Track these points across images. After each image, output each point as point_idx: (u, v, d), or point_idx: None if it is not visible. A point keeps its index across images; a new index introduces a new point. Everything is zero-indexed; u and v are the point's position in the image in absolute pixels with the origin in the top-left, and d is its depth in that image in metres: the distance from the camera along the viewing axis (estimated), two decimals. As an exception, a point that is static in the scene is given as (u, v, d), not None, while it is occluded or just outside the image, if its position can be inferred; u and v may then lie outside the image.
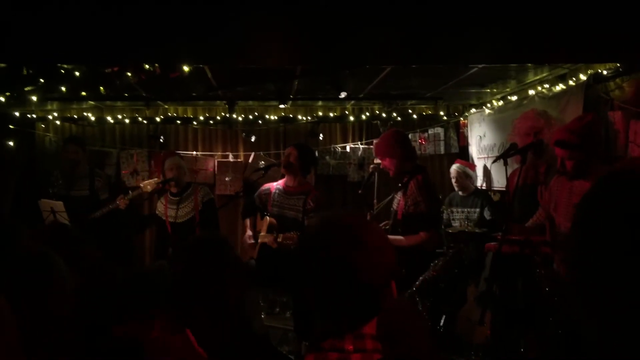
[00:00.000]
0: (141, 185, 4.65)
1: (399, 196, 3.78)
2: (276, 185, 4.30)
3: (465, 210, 5.13)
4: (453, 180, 5.31)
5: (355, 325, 1.30)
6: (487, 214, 5.04)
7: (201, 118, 6.19)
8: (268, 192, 4.29)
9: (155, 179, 4.72)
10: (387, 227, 3.87)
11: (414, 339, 1.50)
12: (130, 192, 4.63)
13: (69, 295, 1.67)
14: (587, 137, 3.02)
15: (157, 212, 4.63)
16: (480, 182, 5.89)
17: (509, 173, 3.41)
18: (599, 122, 3.26)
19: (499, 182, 5.46)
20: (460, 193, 5.30)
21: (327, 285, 1.27)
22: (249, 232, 4.31)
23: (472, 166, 5.46)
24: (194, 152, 6.26)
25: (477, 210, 5.08)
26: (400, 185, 3.72)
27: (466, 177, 5.26)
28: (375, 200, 4.24)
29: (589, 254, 0.73)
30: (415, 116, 6.34)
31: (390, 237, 3.54)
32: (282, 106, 5.82)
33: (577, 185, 3.11)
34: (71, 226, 3.63)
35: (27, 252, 1.68)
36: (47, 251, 1.67)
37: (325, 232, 1.32)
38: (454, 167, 5.32)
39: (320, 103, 6.15)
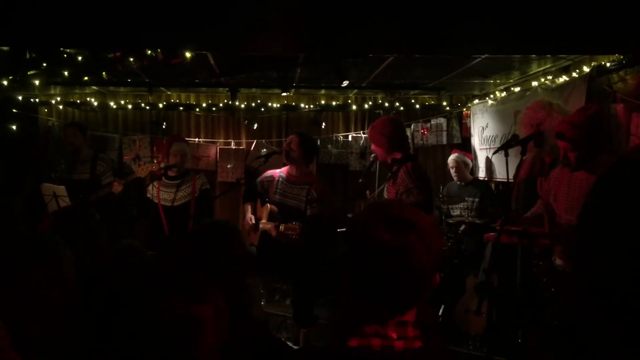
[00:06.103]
0: (136, 170, 4.64)
1: (389, 185, 3.74)
2: (279, 172, 4.30)
3: (463, 202, 5.14)
4: (452, 170, 5.33)
5: (401, 312, 1.29)
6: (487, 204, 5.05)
7: (204, 105, 6.20)
8: (271, 179, 4.30)
9: (150, 164, 4.70)
10: None
11: (436, 326, 1.51)
12: (127, 176, 4.63)
13: (70, 278, 1.69)
14: (589, 130, 2.98)
15: (147, 196, 4.60)
16: (482, 173, 5.89)
17: (509, 164, 3.40)
18: (603, 114, 3.22)
19: (500, 173, 5.46)
20: (458, 183, 5.33)
21: (380, 270, 1.24)
22: (250, 216, 4.31)
23: (470, 156, 5.47)
24: (196, 139, 6.26)
25: (477, 200, 5.09)
26: (389, 174, 3.63)
27: (465, 167, 5.29)
28: (368, 191, 4.22)
29: (595, 244, 0.72)
30: (418, 106, 6.32)
31: None
32: (284, 94, 5.82)
33: (577, 177, 3.09)
34: (76, 207, 3.65)
35: (28, 234, 1.70)
36: (49, 233, 1.68)
37: (380, 218, 1.28)
38: (453, 157, 5.35)
39: (322, 91, 6.15)
